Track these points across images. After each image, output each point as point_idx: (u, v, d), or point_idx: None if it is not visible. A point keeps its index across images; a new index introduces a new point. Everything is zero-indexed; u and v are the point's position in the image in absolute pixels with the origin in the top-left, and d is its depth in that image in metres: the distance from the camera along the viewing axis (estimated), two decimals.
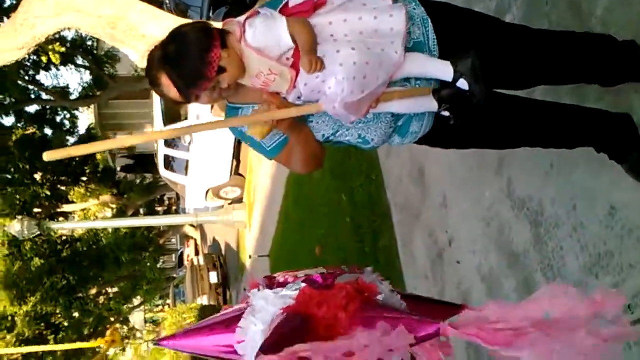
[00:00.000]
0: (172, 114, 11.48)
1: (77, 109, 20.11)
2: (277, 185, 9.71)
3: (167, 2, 11.30)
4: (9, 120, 17.54)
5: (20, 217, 12.20)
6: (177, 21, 8.14)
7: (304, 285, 1.34)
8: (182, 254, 29.37)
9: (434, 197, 4.12)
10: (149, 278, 21.67)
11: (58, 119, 18.96)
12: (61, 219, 18.18)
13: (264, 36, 1.67)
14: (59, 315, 17.41)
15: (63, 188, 18.44)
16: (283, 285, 1.39)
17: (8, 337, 16.45)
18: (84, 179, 19.06)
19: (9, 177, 16.24)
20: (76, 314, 17.85)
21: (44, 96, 18.25)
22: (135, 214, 21.23)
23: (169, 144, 12.35)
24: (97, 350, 14.66)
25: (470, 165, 3.58)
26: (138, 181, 22.79)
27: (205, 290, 16.24)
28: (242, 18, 1.73)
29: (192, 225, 24.53)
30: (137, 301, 26.92)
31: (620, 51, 2.10)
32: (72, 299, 17.17)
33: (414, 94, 1.78)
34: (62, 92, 18.66)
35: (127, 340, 27.54)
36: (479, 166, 3.47)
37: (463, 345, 3.33)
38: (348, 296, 1.24)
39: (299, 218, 8.30)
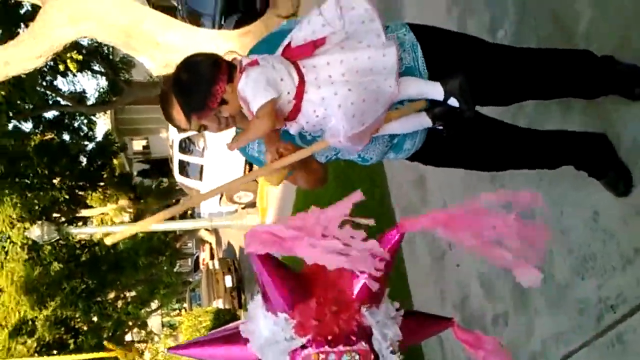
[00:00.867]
0: None
1: (94, 115, 20.34)
2: (288, 191, 9.86)
3: (180, 10, 11.49)
4: (27, 126, 17.78)
5: (40, 222, 12.40)
6: (189, 29, 8.34)
7: None
8: (197, 257, 29.56)
9: (435, 202, 4.24)
10: (166, 282, 21.81)
11: (75, 124, 19.16)
12: (80, 223, 18.39)
13: (246, 88, 1.77)
14: (79, 320, 17.56)
15: (81, 193, 18.68)
16: None
17: (29, 341, 16.64)
18: (102, 183, 19.32)
19: (28, 182, 16.31)
20: (95, 318, 18.03)
21: (62, 102, 18.49)
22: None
23: (183, 149, 12.54)
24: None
25: (467, 173, 3.70)
26: (154, 186, 23.01)
27: (220, 293, 16.39)
28: (246, 60, 1.83)
29: (207, 230, 24.75)
30: (154, 305, 27.16)
31: (599, 66, 2.22)
32: (91, 303, 17.26)
33: (408, 112, 1.91)
34: (79, 98, 18.90)
35: (144, 344, 27.82)
36: (475, 174, 3.58)
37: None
38: None
39: None
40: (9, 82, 10.98)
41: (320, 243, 1.30)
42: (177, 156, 12.90)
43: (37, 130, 17.69)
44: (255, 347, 1.39)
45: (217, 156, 11.95)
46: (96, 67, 18.36)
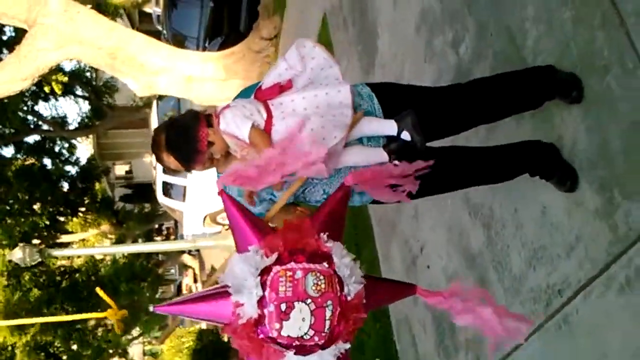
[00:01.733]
0: None
1: (76, 139, 20.38)
2: None
3: (164, 33, 11.74)
4: (8, 151, 17.80)
5: (22, 244, 12.42)
6: (173, 51, 8.58)
7: None
8: (180, 284, 29.42)
9: (407, 209, 4.50)
10: (148, 309, 21.70)
11: (57, 148, 19.22)
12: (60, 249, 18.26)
13: (231, 126, 2.12)
14: (59, 347, 17.41)
15: (62, 218, 18.64)
16: None
17: None
18: (83, 209, 19.29)
19: (8, 207, 16.30)
20: (75, 346, 17.87)
21: (43, 126, 18.53)
22: (134, 243, 21.36)
23: (166, 171, 12.68)
24: None
25: None
26: (136, 210, 23.00)
27: None
28: (219, 108, 2.21)
29: (190, 254, 24.75)
30: (135, 332, 26.92)
31: (540, 78, 2.54)
32: (71, 330, 17.20)
33: (354, 125, 2.18)
34: (60, 122, 18.97)
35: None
36: None
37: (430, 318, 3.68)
38: None
39: None
40: None
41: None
42: (160, 178, 13.05)
43: (17, 155, 17.72)
44: (234, 290, 1.59)
45: (200, 177, 12.11)
46: (79, 92, 18.51)
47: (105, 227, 19.78)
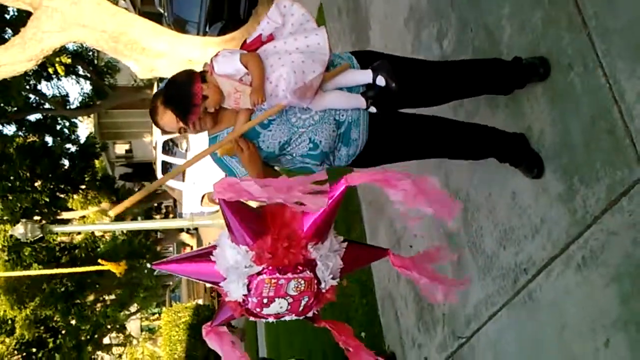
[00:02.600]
0: None
1: (77, 118, 20.56)
2: None
3: (166, 17, 11.86)
4: (10, 129, 17.96)
5: (24, 220, 12.62)
6: (174, 35, 8.74)
7: None
8: None
9: None
10: (146, 285, 22.03)
11: (58, 127, 19.41)
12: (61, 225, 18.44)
13: (223, 65, 2.36)
14: (58, 321, 17.67)
15: (62, 195, 18.86)
16: None
17: (7, 340, 16.78)
18: (83, 186, 19.52)
19: (10, 184, 16.52)
20: (73, 321, 18.17)
21: (45, 105, 18.69)
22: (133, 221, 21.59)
23: (166, 151, 12.91)
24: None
25: (419, 164, 4.20)
26: (136, 189, 23.22)
27: (200, 294, 16.73)
28: (210, 59, 2.43)
29: (188, 232, 25.02)
30: (133, 308, 27.22)
31: (508, 67, 2.78)
32: (70, 305, 17.48)
33: (339, 71, 2.42)
34: (62, 101, 19.14)
35: (122, 348, 27.75)
36: (424, 163, 4.09)
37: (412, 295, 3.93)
38: None
39: None
40: None
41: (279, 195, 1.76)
42: (160, 157, 13.27)
43: (19, 133, 17.92)
44: (221, 269, 1.84)
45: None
46: (81, 72, 18.66)
47: (105, 204, 19.98)
